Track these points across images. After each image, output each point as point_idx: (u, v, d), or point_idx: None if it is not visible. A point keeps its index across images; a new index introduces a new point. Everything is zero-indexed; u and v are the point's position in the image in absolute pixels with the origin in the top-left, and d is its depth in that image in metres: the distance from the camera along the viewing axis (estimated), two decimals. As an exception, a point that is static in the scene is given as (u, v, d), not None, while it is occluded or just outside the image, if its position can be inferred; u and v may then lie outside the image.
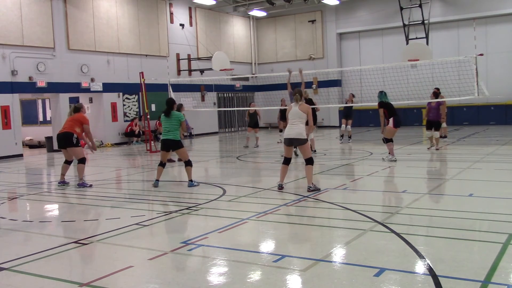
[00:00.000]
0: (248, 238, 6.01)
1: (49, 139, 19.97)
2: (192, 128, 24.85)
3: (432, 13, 23.52)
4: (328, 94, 26.46)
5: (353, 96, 18.74)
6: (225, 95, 28.32)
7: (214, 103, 27.17)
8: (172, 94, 18.95)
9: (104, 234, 6.28)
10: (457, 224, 6.04)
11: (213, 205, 7.87)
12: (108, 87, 21.27)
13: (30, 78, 18.34)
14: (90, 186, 10.25)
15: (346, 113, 17.95)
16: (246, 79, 28.77)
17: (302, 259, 4.98)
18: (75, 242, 5.94)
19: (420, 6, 22.57)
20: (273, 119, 26.30)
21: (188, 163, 9.76)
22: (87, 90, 20.50)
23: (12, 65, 17.83)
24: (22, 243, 6.27)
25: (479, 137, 18.04)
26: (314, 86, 27.22)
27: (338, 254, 5.18)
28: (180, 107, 12.93)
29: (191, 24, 25.59)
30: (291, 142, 8.74)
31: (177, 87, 22.21)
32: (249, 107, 17.71)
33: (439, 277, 4.24)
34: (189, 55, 25.33)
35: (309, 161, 8.64)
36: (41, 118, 25.01)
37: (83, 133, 10.47)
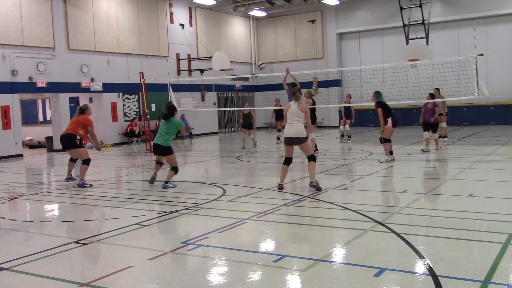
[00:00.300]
0: (248, 238, 6.01)
1: (49, 139, 19.98)
2: (192, 128, 24.86)
3: (432, 13, 23.52)
4: (328, 94, 26.45)
5: (350, 97, 18.97)
6: (225, 95, 28.32)
7: (214, 103, 27.17)
8: (172, 94, 18.97)
9: (104, 234, 6.28)
10: (457, 224, 6.04)
11: (213, 205, 7.86)
12: (108, 87, 21.28)
13: (30, 78, 18.35)
14: (90, 186, 10.29)
15: (345, 114, 18.24)
16: (246, 79, 28.77)
17: (302, 259, 4.98)
18: (75, 242, 5.94)
19: (420, 6, 22.56)
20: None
21: (174, 169, 9.71)
22: (87, 90, 20.50)
23: (12, 65, 17.83)
24: (22, 243, 6.27)
25: (479, 137, 18.04)
26: (314, 86, 27.21)
27: (338, 254, 5.18)
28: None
29: (191, 24, 25.59)
30: (290, 141, 8.73)
31: (177, 87, 22.22)
32: (243, 107, 17.53)
33: (439, 277, 4.24)
34: (189, 55, 25.33)
35: (311, 158, 8.68)
36: (41, 118, 25.01)
37: (88, 135, 10.56)
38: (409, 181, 9.79)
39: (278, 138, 17.87)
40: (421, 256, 4.83)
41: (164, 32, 23.90)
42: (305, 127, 8.95)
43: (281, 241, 5.73)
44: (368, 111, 25.08)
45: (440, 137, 16.70)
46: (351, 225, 6.23)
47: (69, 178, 10.87)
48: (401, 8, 23.15)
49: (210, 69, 21.83)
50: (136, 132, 21.89)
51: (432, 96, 14.57)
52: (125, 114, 22.20)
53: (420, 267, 4.59)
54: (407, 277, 4.36)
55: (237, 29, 28.85)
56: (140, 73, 18.59)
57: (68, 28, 19.55)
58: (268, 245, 5.66)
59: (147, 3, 23.02)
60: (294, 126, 8.63)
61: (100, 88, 20.92)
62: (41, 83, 18.56)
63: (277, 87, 26.08)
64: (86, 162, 10.46)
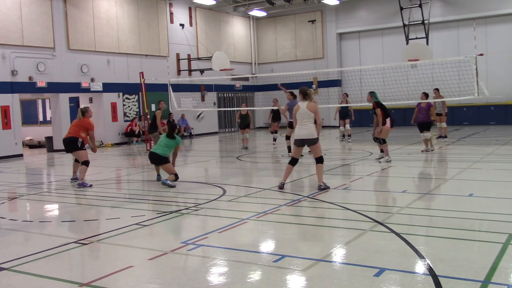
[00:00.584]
0: (248, 238, 6.01)
1: (49, 139, 19.98)
2: (192, 128, 24.86)
3: (432, 13, 23.52)
4: (328, 94, 26.46)
5: (347, 95, 18.87)
6: (225, 95, 28.33)
7: (214, 103, 27.17)
8: (172, 94, 18.98)
9: (104, 234, 6.28)
10: (457, 224, 6.04)
11: (213, 205, 7.86)
12: (108, 87, 21.28)
13: (30, 78, 18.35)
14: (90, 186, 10.33)
15: (343, 114, 18.21)
16: (246, 79, 28.77)
17: (302, 259, 4.98)
18: (75, 242, 5.94)
19: (420, 6, 22.57)
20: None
21: (175, 175, 9.92)
22: (87, 90, 20.50)
23: (12, 65, 17.83)
24: (22, 243, 6.27)
25: (479, 137, 18.04)
26: (314, 86, 27.22)
27: (338, 254, 5.18)
28: (158, 104, 13.28)
29: (191, 24, 25.60)
30: (302, 143, 8.71)
31: (177, 87, 22.23)
32: (241, 108, 17.41)
33: (439, 277, 4.24)
34: (189, 55, 25.34)
35: (320, 160, 8.68)
36: (41, 118, 25.02)
37: (88, 137, 10.73)
38: (409, 181, 9.79)
39: (275, 140, 17.77)
40: (421, 256, 4.83)
41: (164, 32, 23.90)
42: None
43: (281, 241, 5.73)
44: (368, 111, 25.02)
45: (440, 137, 16.69)
46: (351, 225, 6.23)
47: (75, 179, 10.95)
48: (401, 8, 23.15)
49: (210, 69, 21.84)
50: (136, 132, 21.89)
51: (426, 95, 14.35)
52: (125, 114, 22.20)
53: (420, 267, 4.59)
54: (407, 277, 4.36)
55: (237, 29, 28.86)
56: (140, 73, 18.61)
57: (68, 28, 19.55)
58: (268, 245, 5.66)
59: (147, 3, 23.02)
60: (305, 128, 8.61)
61: (100, 88, 20.93)
62: (41, 83, 18.56)
63: (277, 87, 26.11)
64: (86, 163, 10.56)
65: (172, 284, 4.44)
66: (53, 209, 8.51)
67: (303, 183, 9.40)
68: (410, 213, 6.90)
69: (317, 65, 27.33)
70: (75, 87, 19.98)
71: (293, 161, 8.86)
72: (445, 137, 16.94)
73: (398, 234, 5.61)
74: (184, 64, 25.17)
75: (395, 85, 20.86)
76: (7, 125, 17.69)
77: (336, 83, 27.39)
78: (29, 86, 18.43)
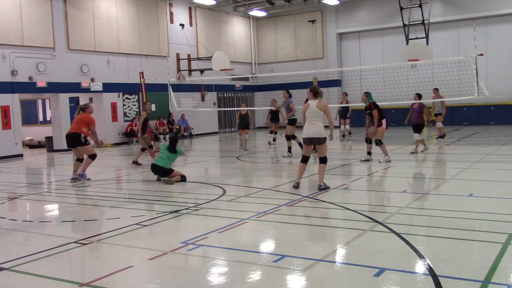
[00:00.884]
0: (248, 238, 6.01)
1: (49, 139, 19.98)
2: (192, 128, 24.86)
3: (432, 13, 23.52)
4: (328, 94, 26.44)
5: (346, 94, 18.91)
6: (225, 95, 28.32)
7: (214, 103, 27.17)
8: (172, 94, 18.98)
9: (104, 234, 6.28)
10: (457, 224, 6.04)
11: (213, 205, 7.86)
12: (108, 87, 21.28)
13: (30, 78, 18.35)
14: (89, 179, 10.66)
15: (343, 113, 18.29)
16: (246, 79, 28.77)
17: (302, 259, 4.98)
18: (75, 242, 5.94)
19: (420, 6, 22.57)
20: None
21: (181, 177, 10.18)
22: (87, 90, 20.50)
23: (12, 65, 17.83)
24: (22, 243, 6.27)
25: (479, 137, 18.04)
26: (312, 85, 27.18)
27: (338, 254, 5.18)
28: (143, 105, 13.49)
29: (191, 24, 25.59)
30: (311, 141, 8.71)
31: (177, 87, 22.24)
32: (240, 108, 17.35)
33: (439, 277, 4.24)
34: (189, 55, 25.34)
35: (324, 160, 8.69)
36: (41, 118, 25.02)
37: (90, 132, 11.02)
38: (409, 181, 9.79)
39: (274, 140, 17.71)
40: (421, 256, 4.83)
41: (164, 32, 23.90)
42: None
43: (281, 241, 5.73)
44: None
45: (439, 137, 16.66)
46: (351, 225, 6.23)
47: (75, 179, 11.02)
48: (401, 8, 23.15)
49: (210, 69, 21.83)
50: (136, 132, 21.85)
51: (419, 96, 14.27)
52: (125, 114, 22.19)
53: (420, 267, 4.59)
54: (407, 277, 4.36)
55: (237, 29, 28.85)
56: (140, 73, 18.61)
57: (68, 28, 19.55)
58: (268, 245, 5.66)
59: (147, 3, 23.02)
60: (314, 126, 8.59)
61: (100, 88, 20.92)
62: (41, 83, 18.56)
63: (277, 87, 26.14)
64: (92, 157, 10.98)
65: (172, 284, 4.44)
66: (53, 209, 8.51)
67: (303, 183, 9.39)
68: (410, 213, 6.90)
69: (317, 65, 27.34)
70: (75, 87, 19.98)
71: (304, 159, 8.90)
72: (444, 136, 16.76)
73: (398, 234, 5.61)
74: (184, 64, 25.16)
75: (395, 85, 20.86)
76: (7, 125, 17.69)
77: (336, 83, 27.39)
78: (29, 86, 18.42)
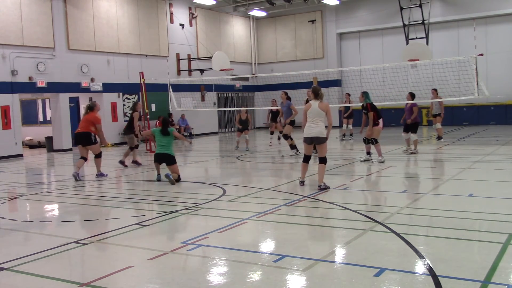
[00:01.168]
0: (248, 238, 6.01)
1: (49, 139, 19.97)
2: (192, 128, 24.86)
3: (432, 13, 23.52)
4: (328, 94, 26.44)
5: (349, 95, 18.96)
6: (225, 95, 28.32)
7: (214, 103, 27.17)
8: (172, 94, 18.97)
9: (104, 234, 6.28)
10: (457, 224, 6.04)
11: (213, 205, 7.86)
12: (108, 87, 21.28)
13: (30, 78, 18.35)
14: (106, 175, 11.46)
15: (346, 113, 18.39)
16: (246, 79, 28.77)
17: (302, 259, 4.98)
18: (75, 242, 5.93)
19: (420, 6, 22.57)
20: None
21: (177, 179, 10.13)
22: (87, 90, 20.50)
23: (12, 65, 17.83)
24: (22, 243, 6.27)
25: (479, 137, 18.03)
26: (314, 86, 27.19)
27: (338, 254, 5.18)
28: (134, 105, 13.60)
29: (191, 24, 25.59)
30: (311, 141, 8.82)
31: (177, 87, 22.22)
32: (240, 112, 17.32)
33: (439, 277, 4.24)
34: (189, 55, 25.33)
35: (323, 160, 8.76)
36: (41, 118, 25.01)
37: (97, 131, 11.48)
38: (409, 181, 9.79)
39: (279, 138, 17.71)
40: (421, 256, 4.83)
41: (164, 32, 23.90)
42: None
43: (281, 241, 5.73)
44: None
45: (438, 138, 16.62)
46: (351, 225, 6.23)
47: (77, 174, 11.26)
48: (401, 8, 23.15)
49: (210, 69, 21.83)
50: (136, 132, 21.83)
51: (412, 96, 14.18)
52: (125, 114, 22.18)
53: (420, 267, 4.59)
54: (407, 277, 4.36)
55: (237, 29, 28.85)
56: (140, 73, 18.59)
57: (68, 28, 19.55)
58: (268, 245, 5.66)
59: (147, 3, 23.02)
60: (315, 126, 8.69)
61: (100, 88, 20.92)
62: (41, 83, 18.56)
63: (277, 87, 26.16)
64: (99, 156, 11.47)
65: (172, 284, 4.44)
66: (53, 209, 8.51)
67: (304, 184, 9.38)
68: (410, 213, 6.90)
69: (317, 65, 27.34)
70: (75, 87, 19.98)
71: (306, 159, 9.06)
72: (441, 138, 16.67)
73: (398, 234, 5.61)
74: (184, 64, 25.16)
75: (395, 85, 20.85)
76: (7, 125, 17.69)
77: (336, 83, 27.39)
78: (29, 86, 18.42)
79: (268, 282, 4.39)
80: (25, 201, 9.24)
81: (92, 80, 20.57)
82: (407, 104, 13.96)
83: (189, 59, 25.32)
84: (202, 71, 25.01)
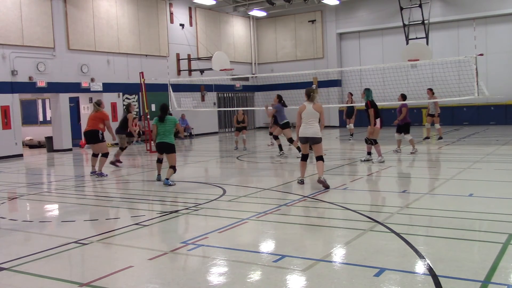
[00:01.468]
0: (248, 238, 6.01)
1: (49, 139, 19.98)
2: (192, 128, 24.85)
3: (432, 13, 23.52)
4: (328, 94, 26.46)
5: (351, 94, 19.03)
6: (225, 95, 28.32)
7: (214, 103, 27.17)
8: (172, 94, 18.98)
9: (104, 234, 6.28)
10: (457, 224, 6.04)
11: (213, 205, 7.87)
12: (108, 87, 21.27)
13: (30, 78, 18.35)
14: (106, 175, 11.58)
15: (348, 113, 18.48)
16: (246, 79, 28.77)
17: (302, 259, 4.98)
18: (75, 242, 5.94)
19: (420, 6, 22.57)
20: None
21: (173, 168, 10.02)
22: (87, 90, 20.50)
23: (12, 65, 17.83)
24: (22, 243, 6.27)
25: (479, 137, 18.03)
26: (314, 86, 27.21)
27: (338, 254, 5.18)
28: (129, 106, 13.69)
29: (191, 24, 25.59)
30: (306, 141, 9.18)
31: (177, 87, 22.23)
32: (237, 113, 17.51)
33: (439, 277, 4.25)
34: (189, 55, 25.33)
35: (321, 158, 9.10)
36: (41, 118, 25.01)
37: (105, 127, 11.81)
38: (409, 181, 9.79)
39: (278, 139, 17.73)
40: (421, 256, 4.83)
41: (164, 32, 23.89)
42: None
43: (281, 241, 5.73)
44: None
45: (439, 138, 16.62)
46: (351, 225, 6.23)
47: (94, 172, 11.70)
48: (401, 8, 23.15)
49: (210, 69, 21.84)
50: (136, 132, 21.86)
51: (403, 97, 14.11)
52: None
53: (420, 267, 4.59)
54: (407, 277, 4.36)
55: (237, 29, 28.85)
56: (140, 73, 18.60)
57: (68, 28, 19.55)
58: (268, 245, 5.66)
59: (147, 3, 23.02)
60: (311, 127, 9.05)
61: (100, 88, 20.92)
62: (41, 83, 18.56)
63: (277, 87, 26.19)
64: (105, 155, 11.75)
65: (172, 284, 4.44)
66: (53, 209, 8.51)
67: (303, 183, 9.39)
68: (410, 213, 6.90)
69: (317, 65, 27.34)
70: (75, 87, 19.98)
71: (305, 157, 9.36)
72: (428, 138, 16.61)
73: (398, 234, 5.61)
74: (184, 64, 25.16)
75: (395, 85, 20.85)
76: (7, 125, 17.69)
77: (336, 83, 27.39)
78: (29, 86, 18.42)
79: (268, 282, 4.39)
80: (25, 201, 9.24)
81: (92, 80, 20.56)
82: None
83: (189, 59, 25.32)
84: (202, 71, 25.01)
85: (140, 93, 20.08)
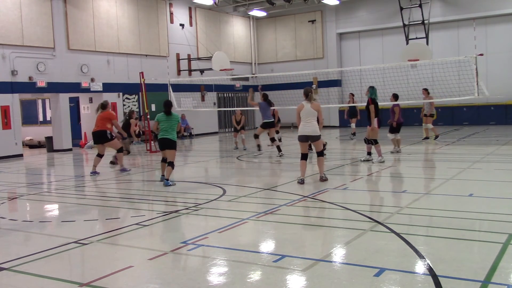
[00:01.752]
0: (248, 238, 6.01)
1: (49, 139, 19.98)
2: (192, 128, 24.85)
3: (432, 13, 23.51)
4: (328, 94, 26.46)
5: (353, 95, 19.12)
6: (225, 95, 28.32)
7: (214, 103, 27.17)
8: (172, 94, 18.97)
9: (104, 234, 6.28)
10: (457, 224, 6.04)
11: (213, 205, 7.86)
12: (108, 87, 21.27)
13: (30, 78, 18.34)
14: (129, 170, 12.04)
15: (350, 113, 18.70)
16: (246, 79, 28.76)
17: (302, 259, 4.98)
18: (75, 242, 5.94)
19: (420, 6, 22.56)
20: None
21: (171, 164, 9.98)
22: (87, 90, 20.50)
23: (12, 65, 17.83)
24: (22, 243, 6.27)
25: (479, 137, 18.03)
26: (314, 86, 27.21)
27: (338, 254, 5.18)
28: (131, 113, 13.82)
29: (191, 24, 25.59)
30: (306, 139, 9.38)
31: (177, 87, 22.22)
32: (236, 113, 17.68)
33: (439, 277, 4.24)
34: (189, 55, 25.33)
35: (321, 154, 9.39)
36: (41, 118, 25.01)
37: (113, 126, 12.12)
38: (409, 181, 9.79)
39: (279, 139, 17.77)
40: (421, 256, 4.83)
41: (164, 32, 23.89)
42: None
43: (281, 241, 5.73)
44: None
45: (436, 137, 16.60)
46: (351, 225, 6.23)
47: (94, 173, 11.80)
48: (401, 8, 23.14)
49: (210, 69, 21.82)
50: (136, 132, 21.85)
51: (395, 97, 14.13)
52: (125, 114, 22.16)
53: (420, 267, 4.59)
54: (407, 277, 4.36)
55: (237, 29, 28.85)
56: (140, 73, 18.59)
57: (68, 28, 19.55)
58: (268, 245, 5.66)
59: (147, 3, 23.02)
60: (310, 125, 9.26)
61: (100, 88, 20.92)
62: (41, 83, 18.56)
63: (277, 87, 26.19)
64: (120, 150, 12.14)
65: (172, 284, 4.44)
66: (53, 209, 8.51)
67: (303, 183, 9.39)
68: (410, 213, 6.90)
69: (317, 65, 27.33)
70: (75, 87, 19.98)
71: (304, 157, 9.49)
72: (427, 138, 16.60)
73: (398, 234, 5.61)
74: (184, 64, 25.16)
75: (395, 85, 20.84)
76: (7, 125, 17.69)
77: (336, 83, 27.39)
78: (29, 86, 18.42)
79: (268, 282, 4.39)
80: (25, 201, 9.24)
81: (92, 80, 20.56)
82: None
83: (189, 59, 25.32)
84: (202, 71, 25.00)
85: (140, 93, 20.07)
